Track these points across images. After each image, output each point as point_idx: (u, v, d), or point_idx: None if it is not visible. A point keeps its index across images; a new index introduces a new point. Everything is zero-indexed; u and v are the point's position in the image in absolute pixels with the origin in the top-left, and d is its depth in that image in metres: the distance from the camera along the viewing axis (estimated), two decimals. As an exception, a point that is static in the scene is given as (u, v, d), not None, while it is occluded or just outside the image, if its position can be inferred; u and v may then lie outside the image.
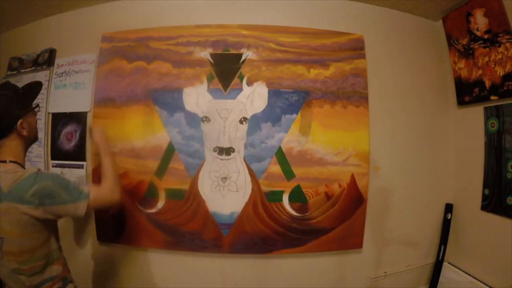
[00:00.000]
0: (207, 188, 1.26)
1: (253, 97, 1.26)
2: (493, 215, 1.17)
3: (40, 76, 1.43)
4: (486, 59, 1.18)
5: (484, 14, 1.16)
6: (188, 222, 1.26)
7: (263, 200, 1.26)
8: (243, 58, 1.28)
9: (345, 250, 1.31)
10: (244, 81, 1.27)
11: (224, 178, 1.25)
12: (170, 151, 1.26)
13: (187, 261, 1.31)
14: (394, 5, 1.37)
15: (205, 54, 1.28)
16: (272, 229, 1.26)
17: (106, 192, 0.92)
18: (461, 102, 1.34)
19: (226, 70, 1.27)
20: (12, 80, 1.49)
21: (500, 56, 1.12)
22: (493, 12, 1.12)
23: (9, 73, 1.51)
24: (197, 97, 1.27)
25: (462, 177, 1.37)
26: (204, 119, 1.26)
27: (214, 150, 1.25)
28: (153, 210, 1.26)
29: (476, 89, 1.24)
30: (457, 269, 1.31)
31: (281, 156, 1.26)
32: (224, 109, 1.25)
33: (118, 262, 1.34)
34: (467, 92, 1.29)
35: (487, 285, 1.16)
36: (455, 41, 1.32)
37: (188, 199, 1.26)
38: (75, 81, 1.37)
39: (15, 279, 0.82)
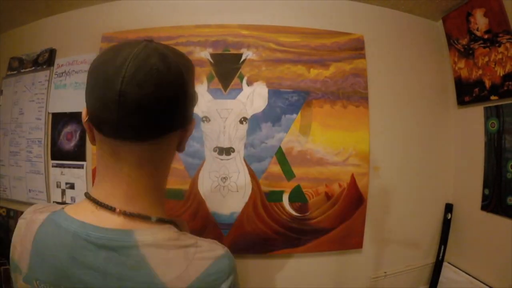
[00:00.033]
0: (207, 188, 1.26)
1: (253, 97, 1.26)
2: (493, 215, 1.17)
3: (40, 76, 1.43)
4: (486, 59, 1.18)
5: (484, 14, 1.16)
6: (188, 222, 1.26)
7: (263, 200, 1.26)
8: (243, 58, 1.28)
9: (345, 250, 1.31)
10: (244, 81, 1.27)
11: (224, 178, 1.25)
12: (170, 151, 1.26)
13: (187, 261, 1.31)
14: (394, 5, 1.37)
15: (205, 54, 1.28)
16: (272, 229, 1.26)
17: None
18: (461, 102, 1.34)
19: (226, 70, 1.27)
20: (12, 80, 1.49)
21: (500, 56, 1.12)
22: (493, 12, 1.12)
23: (9, 73, 1.51)
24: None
25: (462, 177, 1.37)
26: (204, 119, 1.26)
27: (214, 150, 1.25)
28: (153, 210, 1.26)
29: (476, 89, 1.24)
30: (457, 269, 1.31)
31: (281, 156, 1.26)
32: (224, 109, 1.25)
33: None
34: (467, 92, 1.29)
35: (487, 285, 1.16)
36: (455, 41, 1.32)
37: (188, 199, 1.26)
38: (75, 81, 1.38)
39: None
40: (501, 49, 1.11)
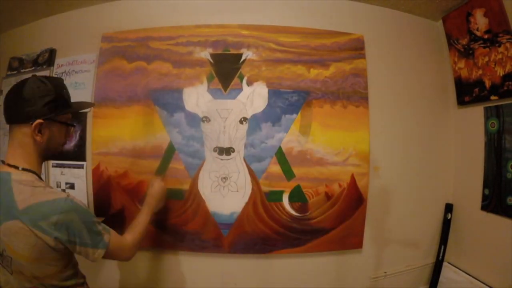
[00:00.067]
0: (207, 188, 1.26)
1: (253, 97, 1.26)
2: (493, 215, 1.17)
3: (40, 76, 1.43)
4: (486, 59, 1.18)
5: (484, 14, 1.16)
6: (188, 222, 1.26)
7: (263, 200, 1.26)
8: (243, 58, 1.28)
9: (345, 250, 1.31)
10: (244, 81, 1.27)
11: (224, 178, 1.25)
12: (170, 151, 1.26)
13: (187, 261, 1.31)
14: (394, 5, 1.37)
15: (205, 54, 1.28)
16: (272, 229, 1.26)
17: (126, 248, 0.86)
18: (461, 102, 1.34)
19: (226, 70, 1.27)
20: (12, 80, 1.49)
21: (500, 56, 1.12)
22: (493, 12, 1.12)
23: (9, 73, 1.51)
24: (197, 97, 1.27)
25: (462, 177, 1.37)
26: (204, 119, 1.26)
27: (214, 150, 1.25)
28: (153, 210, 1.26)
29: (476, 89, 1.24)
30: (457, 269, 1.31)
31: (281, 156, 1.26)
32: (224, 109, 1.25)
33: (118, 262, 1.34)
34: (467, 92, 1.29)
35: (487, 285, 1.16)
36: (455, 41, 1.32)
37: (188, 199, 1.26)
38: (75, 81, 1.37)
39: None
40: (501, 49, 1.11)
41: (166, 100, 1.27)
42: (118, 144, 1.28)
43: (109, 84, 1.30)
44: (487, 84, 1.18)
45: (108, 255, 0.80)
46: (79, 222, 0.72)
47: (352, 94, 1.29)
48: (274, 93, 1.27)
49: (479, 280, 1.20)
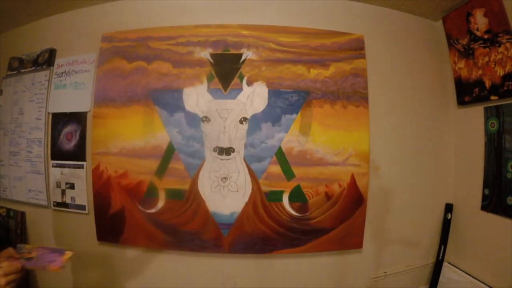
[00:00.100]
0: (207, 188, 1.26)
1: (253, 97, 1.26)
2: (493, 215, 1.17)
3: (40, 76, 1.43)
4: (486, 59, 1.18)
5: (484, 14, 1.16)
6: (188, 222, 1.26)
7: (263, 200, 1.26)
8: (243, 58, 1.28)
9: (345, 250, 1.31)
10: (244, 81, 1.27)
11: (224, 178, 1.25)
12: (170, 151, 1.26)
13: (187, 261, 1.31)
14: (394, 5, 1.37)
15: (205, 54, 1.28)
16: (272, 229, 1.26)
17: None
18: (461, 102, 1.34)
19: (226, 70, 1.27)
20: (12, 80, 1.49)
21: (500, 56, 1.12)
22: (493, 12, 1.12)
23: (9, 73, 1.51)
24: (197, 97, 1.27)
25: (462, 177, 1.37)
26: (204, 119, 1.26)
27: (214, 150, 1.25)
28: (153, 210, 1.26)
29: (476, 89, 1.24)
30: (457, 269, 1.31)
31: (281, 156, 1.26)
32: (224, 109, 1.25)
33: (118, 262, 1.34)
34: (467, 92, 1.29)
35: (487, 285, 1.16)
36: (455, 41, 1.32)
37: (188, 199, 1.26)
38: (75, 81, 1.38)
39: None
40: (501, 49, 1.11)
41: (166, 100, 1.27)
42: (118, 144, 1.28)
43: (109, 84, 1.30)
44: (487, 84, 1.18)
45: None
46: None
47: (352, 94, 1.29)
48: (274, 93, 1.27)
49: (479, 280, 1.20)
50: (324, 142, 1.27)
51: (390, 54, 1.37)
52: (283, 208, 1.26)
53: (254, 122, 1.26)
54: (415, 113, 1.38)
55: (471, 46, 1.24)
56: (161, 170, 1.26)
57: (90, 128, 1.32)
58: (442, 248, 1.37)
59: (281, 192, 1.26)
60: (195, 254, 1.29)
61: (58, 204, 1.38)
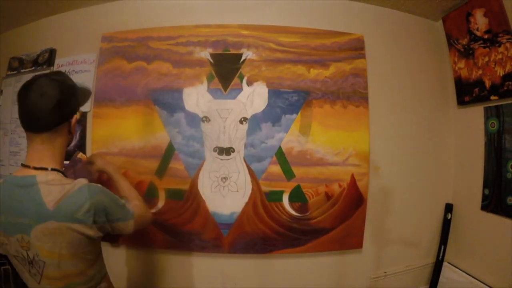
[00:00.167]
0: (207, 188, 1.26)
1: (253, 97, 1.26)
2: (493, 215, 1.17)
3: (40, 76, 1.43)
4: (486, 59, 1.18)
5: (484, 14, 1.16)
6: (188, 222, 1.26)
7: (263, 200, 1.26)
8: (243, 58, 1.28)
9: (345, 250, 1.31)
10: (244, 81, 1.27)
11: (224, 178, 1.25)
12: (170, 151, 1.26)
13: (187, 261, 1.31)
14: (394, 5, 1.37)
15: (205, 54, 1.28)
16: (272, 229, 1.26)
17: (143, 209, 0.87)
18: (461, 102, 1.34)
19: (226, 70, 1.27)
20: (12, 80, 1.49)
21: (500, 56, 1.12)
22: (493, 12, 1.12)
23: (9, 73, 1.51)
24: (197, 97, 1.27)
25: (462, 177, 1.37)
26: (204, 119, 1.26)
27: (214, 150, 1.25)
28: (153, 210, 1.26)
29: (476, 89, 1.24)
30: (457, 269, 1.31)
31: (281, 156, 1.26)
32: (224, 109, 1.25)
33: (118, 262, 1.34)
34: (467, 92, 1.29)
35: (487, 285, 1.16)
36: (455, 41, 1.32)
37: (188, 199, 1.26)
38: (75, 81, 1.37)
39: None
40: (501, 49, 1.11)
41: (166, 100, 1.27)
42: (118, 144, 1.28)
43: (109, 84, 1.30)
44: (487, 84, 1.18)
45: (138, 222, 0.81)
46: (108, 200, 0.74)
47: (352, 94, 1.29)
48: (274, 93, 1.27)
49: (479, 280, 1.20)
50: (324, 142, 1.27)
51: (390, 54, 1.37)
52: (283, 208, 1.26)
53: (254, 122, 1.26)
54: (415, 113, 1.39)
55: (471, 46, 1.24)
56: (161, 170, 1.26)
57: (90, 128, 1.32)
58: (442, 248, 1.37)
59: (281, 192, 1.26)
60: (195, 254, 1.29)
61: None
